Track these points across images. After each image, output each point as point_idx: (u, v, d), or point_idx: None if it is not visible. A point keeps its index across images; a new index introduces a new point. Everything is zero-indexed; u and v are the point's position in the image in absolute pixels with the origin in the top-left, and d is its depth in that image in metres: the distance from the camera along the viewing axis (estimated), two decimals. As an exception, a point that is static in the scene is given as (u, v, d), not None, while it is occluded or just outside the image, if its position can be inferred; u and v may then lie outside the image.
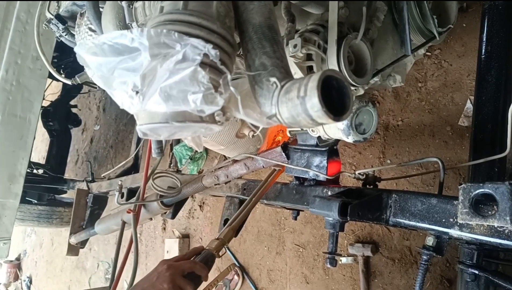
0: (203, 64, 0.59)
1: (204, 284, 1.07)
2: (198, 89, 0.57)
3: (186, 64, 0.58)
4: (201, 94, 0.56)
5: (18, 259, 6.09)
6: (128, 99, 0.68)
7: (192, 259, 1.07)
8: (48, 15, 1.17)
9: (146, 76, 0.65)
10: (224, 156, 2.92)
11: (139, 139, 3.07)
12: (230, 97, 0.62)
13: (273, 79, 0.60)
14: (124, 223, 1.58)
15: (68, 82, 1.26)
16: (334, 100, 0.54)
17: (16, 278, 5.93)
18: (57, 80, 3.75)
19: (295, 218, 1.62)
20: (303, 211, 1.64)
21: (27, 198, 3.42)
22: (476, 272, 1.18)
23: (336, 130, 1.04)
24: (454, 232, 0.96)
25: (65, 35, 1.21)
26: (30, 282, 5.65)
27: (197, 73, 0.57)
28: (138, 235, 3.84)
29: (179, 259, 1.05)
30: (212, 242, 1.12)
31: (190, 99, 0.57)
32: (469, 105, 1.95)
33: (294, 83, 0.57)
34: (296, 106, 0.55)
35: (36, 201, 3.52)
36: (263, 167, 1.44)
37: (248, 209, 1.26)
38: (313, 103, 0.52)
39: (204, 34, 0.62)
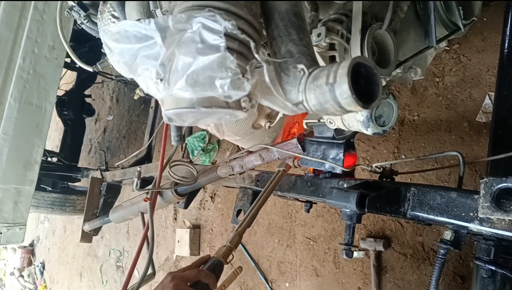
0: (230, 50, 0.59)
1: None
2: (226, 75, 0.57)
3: (210, 50, 0.59)
4: (229, 80, 0.57)
5: (31, 245, 6.23)
6: (153, 85, 0.69)
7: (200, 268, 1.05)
8: (70, 2, 1.19)
9: (166, 64, 0.65)
10: (237, 147, 2.93)
11: (152, 130, 3.10)
12: (256, 84, 0.62)
13: (300, 66, 0.60)
14: (143, 213, 1.60)
15: (90, 69, 1.28)
16: (362, 87, 0.54)
17: (30, 263, 6.07)
18: (73, 69, 3.80)
19: (308, 211, 1.62)
20: (316, 203, 1.64)
21: (41, 186, 3.48)
22: (493, 268, 1.17)
23: (355, 122, 1.03)
24: (474, 227, 0.95)
25: (87, 22, 1.22)
26: (43, 268, 5.79)
27: (226, 58, 0.57)
28: (149, 224, 3.89)
29: (185, 270, 1.03)
30: (219, 250, 1.10)
31: (218, 84, 0.57)
32: (487, 101, 1.91)
33: (323, 70, 0.57)
34: (324, 93, 0.55)
35: (50, 189, 3.59)
36: (278, 158, 1.44)
37: (254, 211, 1.23)
38: (343, 90, 0.52)
39: (232, 20, 0.62)
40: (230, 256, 1.09)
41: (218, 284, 1.03)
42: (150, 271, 1.41)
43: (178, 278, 0.96)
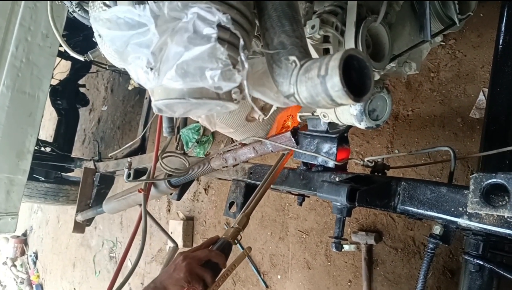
0: (221, 40, 0.59)
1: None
2: (216, 66, 0.56)
3: (202, 40, 0.58)
4: (219, 71, 0.56)
5: (24, 234, 6.22)
6: (143, 75, 0.68)
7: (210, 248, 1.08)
8: (62, -10, 1.16)
9: (157, 53, 0.64)
10: (232, 139, 2.93)
11: (146, 121, 3.08)
12: (247, 75, 0.61)
13: (292, 58, 0.59)
14: (142, 205, 1.60)
15: (81, 58, 1.26)
16: (354, 80, 0.54)
17: (23, 253, 6.06)
18: (67, 58, 3.75)
19: (300, 204, 1.63)
20: (308, 197, 1.65)
21: (34, 175, 3.46)
22: (481, 263, 1.19)
23: (348, 115, 1.03)
24: (463, 222, 0.96)
25: (78, 10, 1.19)
26: (36, 258, 5.78)
27: (216, 49, 0.56)
28: (143, 215, 3.89)
29: (195, 250, 1.06)
30: (227, 231, 1.13)
31: (208, 75, 0.56)
32: (481, 97, 1.92)
33: (315, 62, 0.56)
34: (315, 86, 0.54)
35: (43, 179, 3.57)
36: (272, 151, 1.44)
37: (260, 194, 1.25)
38: (334, 82, 0.51)
39: (224, 10, 0.61)
40: (238, 237, 1.12)
41: (228, 263, 1.06)
42: (172, 244, 1.43)
43: (190, 258, 1.00)
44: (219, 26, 0.58)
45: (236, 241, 1.11)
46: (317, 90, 0.54)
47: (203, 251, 1.04)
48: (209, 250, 1.05)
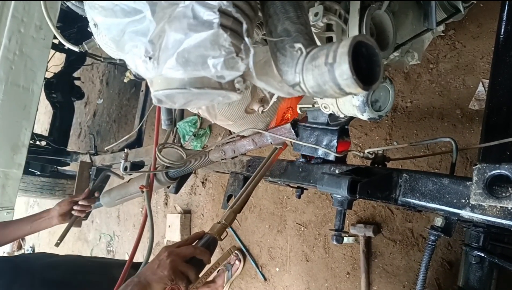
0: (223, 27, 0.56)
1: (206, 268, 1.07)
2: (219, 53, 0.54)
3: (203, 26, 0.55)
4: (222, 59, 0.54)
5: (20, 229, 6.18)
6: (142, 64, 0.65)
7: (194, 244, 1.07)
8: (55, -22, 1.13)
9: (155, 41, 0.62)
10: (229, 132, 2.91)
11: (142, 114, 3.05)
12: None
13: (298, 45, 0.57)
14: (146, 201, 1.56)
15: (76, 49, 1.23)
16: (363, 68, 0.52)
17: (19, 247, 6.04)
18: (61, 50, 3.69)
19: (299, 197, 1.62)
20: (307, 189, 1.64)
21: (30, 169, 3.43)
22: (482, 254, 1.18)
23: (351, 106, 1.01)
24: (465, 213, 0.95)
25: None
26: (33, 252, 5.76)
27: (219, 36, 0.54)
28: (140, 209, 3.88)
29: (180, 245, 1.05)
30: (214, 226, 1.11)
31: (210, 64, 0.54)
32: (481, 88, 1.91)
33: (322, 49, 0.54)
34: (323, 74, 0.52)
35: (39, 173, 3.53)
36: (271, 143, 1.42)
37: (250, 189, 1.23)
38: (343, 70, 0.49)
39: (227, -4, 0.58)
40: (224, 233, 1.10)
41: (212, 261, 1.04)
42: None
43: (175, 255, 0.99)
44: (221, 12, 0.56)
45: (221, 237, 1.09)
46: (324, 79, 0.53)
47: (187, 248, 1.02)
48: (194, 247, 1.03)
